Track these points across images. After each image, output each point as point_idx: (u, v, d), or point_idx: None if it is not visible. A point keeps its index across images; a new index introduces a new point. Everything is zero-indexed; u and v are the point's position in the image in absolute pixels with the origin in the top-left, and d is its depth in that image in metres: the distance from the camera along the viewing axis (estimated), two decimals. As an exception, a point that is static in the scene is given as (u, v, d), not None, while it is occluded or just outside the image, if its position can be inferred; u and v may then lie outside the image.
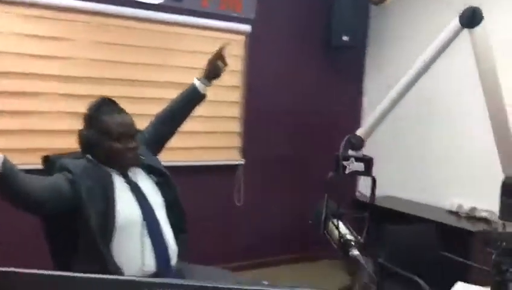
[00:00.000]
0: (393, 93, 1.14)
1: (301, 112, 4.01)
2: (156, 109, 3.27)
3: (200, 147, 3.48)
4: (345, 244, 1.12)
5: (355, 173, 1.16)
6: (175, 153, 2.88)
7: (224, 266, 3.58)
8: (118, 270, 1.67)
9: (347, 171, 1.14)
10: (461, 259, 2.35)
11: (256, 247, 3.86)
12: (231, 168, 3.74)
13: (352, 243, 1.11)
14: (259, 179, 3.85)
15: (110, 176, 1.77)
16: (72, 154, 1.88)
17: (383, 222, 2.37)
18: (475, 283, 1.74)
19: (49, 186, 1.59)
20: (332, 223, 1.18)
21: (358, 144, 1.11)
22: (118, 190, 1.74)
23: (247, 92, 3.73)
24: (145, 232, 1.76)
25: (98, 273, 1.59)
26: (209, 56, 2.13)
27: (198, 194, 3.27)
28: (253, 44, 3.71)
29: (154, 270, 1.76)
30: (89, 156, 1.81)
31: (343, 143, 1.12)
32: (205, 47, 3.46)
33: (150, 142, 2.03)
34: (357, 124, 4.33)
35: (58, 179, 1.65)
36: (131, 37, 3.28)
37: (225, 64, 2.13)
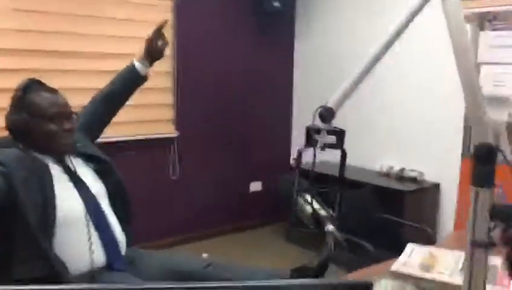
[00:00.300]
0: (364, 63, 1.09)
1: (234, 80, 3.94)
2: (82, 81, 3.05)
3: (132, 121, 3.30)
4: (319, 220, 1.09)
5: (327, 146, 1.11)
6: (106, 129, 2.71)
7: (163, 241, 3.52)
8: (63, 267, 1.53)
9: (318, 145, 1.10)
10: (401, 220, 2.45)
11: (194, 220, 3.82)
12: (165, 141, 3.61)
13: (327, 218, 1.09)
14: (193, 152, 3.76)
15: (47, 166, 1.60)
16: (2, 139, 1.68)
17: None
18: (410, 241, 1.80)
19: None
20: (303, 198, 1.14)
21: (329, 115, 1.07)
22: (56, 181, 1.58)
23: (178, 61, 3.57)
24: (91, 224, 1.62)
25: (42, 271, 1.47)
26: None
27: (132, 170, 3.12)
28: (182, 10, 3.53)
29: (104, 263, 1.64)
30: (19, 144, 1.62)
31: (313, 114, 1.06)
32: (131, 14, 3.30)
33: (86, 127, 1.86)
34: (289, 92, 4.34)
35: None
36: (53, 4, 2.98)
37: (166, 42, 1.96)
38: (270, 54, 4.13)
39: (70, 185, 1.63)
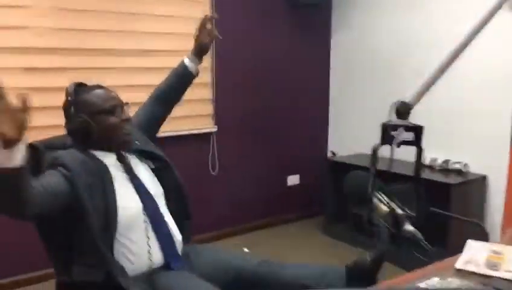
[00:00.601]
0: (444, 58, 1.05)
1: (271, 74, 3.91)
2: (123, 79, 3.06)
3: (173, 116, 3.30)
4: (397, 220, 1.06)
5: (404, 143, 1.08)
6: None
7: (203, 235, 3.53)
8: (122, 272, 1.54)
9: (395, 142, 1.06)
10: (452, 214, 2.39)
11: (233, 214, 3.83)
12: (205, 137, 3.61)
13: (405, 218, 1.05)
14: (231, 146, 3.75)
15: (107, 167, 1.61)
16: (58, 139, 1.70)
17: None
18: (460, 236, 1.75)
19: (47, 187, 1.38)
20: (377, 197, 1.11)
21: (406, 111, 1.03)
22: (116, 182, 1.59)
23: (217, 56, 3.57)
24: (149, 225, 1.63)
25: (100, 276, 1.49)
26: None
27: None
28: (220, 4, 3.52)
29: (162, 263, 1.65)
30: (78, 146, 1.64)
31: (389, 110, 1.03)
32: (171, 10, 3.30)
33: (144, 126, 1.88)
34: (326, 86, 4.30)
35: (55, 178, 1.44)
36: (92, 1, 3.00)
37: (213, 36, 2.00)
38: (306, 48, 4.08)
39: (130, 185, 1.64)
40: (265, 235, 3.91)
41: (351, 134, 4.15)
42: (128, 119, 1.68)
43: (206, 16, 2.00)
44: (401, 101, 1.04)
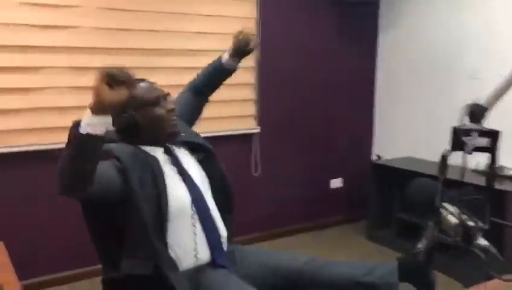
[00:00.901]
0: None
1: (315, 74, 3.83)
2: (168, 78, 3.05)
3: (215, 117, 3.29)
4: (467, 232, 0.97)
5: (477, 150, 0.99)
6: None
7: (245, 237, 3.49)
8: (173, 265, 1.51)
9: (468, 148, 0.97)
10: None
11: (274, 217, 3.77)
12: (247, 137, 3.57)
13: (477, 230, 0.96)
14: (274, 147, 3.69)
15: (158, 160, 1.59)
16: (107, 135, 1.69)
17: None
18: None
19: (102, 175, 1.37)
20: (446, 208, 1.02)
21: (480, 114, 0.94)
22: (166, 176, 1.57)
23: (261, 56, 3.51)
24: (196, 219, 1.60)
25: (150, 269, 1.46)
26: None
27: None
28: (265, 4, 3.47)
29: (209, 259, 1.61)
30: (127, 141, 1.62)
31: (461, 113, 0.94)
32: (217, 9, 3.27)
33: (184, 116, 1.85)
34: (371, 87, 4.17)
35: (108, 168, 1.44)
36: (142, 2, 3.01)
37: (253, 46, 1.90)
38: (352, 46, 3.97)
39: (178, 178, 1.62)
40: (306, 238, 3.83)
41: (397, 137, 4.00)
42: (173, 109, 1.65)
43: (241, 31, 1.90)
44: (476, 104, 0.95)
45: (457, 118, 0.97)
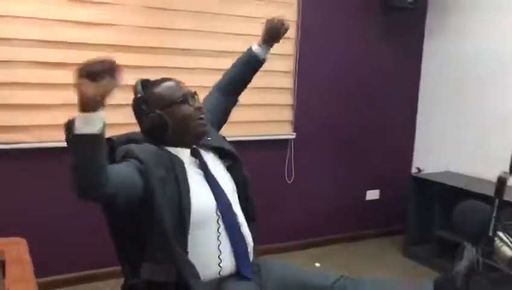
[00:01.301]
0: None
1: (356, 81, 3.70)
2: (206, 79, 2.97)
3: (249, 121, 3.22)
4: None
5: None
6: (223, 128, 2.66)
7: (275, 245, 3.39)
8: (195, 274, 1.44)
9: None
10: None
11: (307, 226, 3.66)
12: (282, 143, 3.47)
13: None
14: (309, 155, 3.58)
15: (183, 162, 1.52)
16: (133, 135, 1.65)
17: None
18: None
19: (121, 175, 1.33)
20: (501, 237, 0.90)
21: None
22: (190, 178, 1.50)
23: (300, 60, 3.42)
24: (221, 226, 1.52)
25: (171, 276, 1.39)
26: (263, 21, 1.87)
27: (249, 171, 3.04)
28: (306, 6, 3.37)
29: (234, 270, 1.53)
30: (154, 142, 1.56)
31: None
32: (255, 12, 3.20)
33: (212, 118, 1.78)
34: (414, 96, 4.01)
35: (128, 169, 1.39)
36: (177, 1, 2.97)
37: (287, 26, 1.85)
38: (396, 54, 3.82)
39: (204, 182, 1.55)
40: (339, 250, 3.70)
41: (439, 150, 3.81)
42: (201, 108, 1.59)
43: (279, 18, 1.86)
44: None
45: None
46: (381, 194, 3.96)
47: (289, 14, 3.32)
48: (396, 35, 3.80)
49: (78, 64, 1.17)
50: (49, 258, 2.61)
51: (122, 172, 1.34)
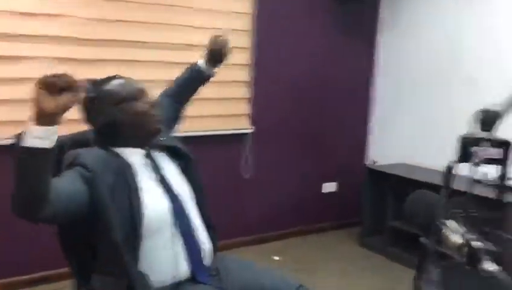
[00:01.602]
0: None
1: (311, 75, 3.71)
2: (159, 73, 2.90)
3: (205, 115, 3.17)
4: (473, 254, 0.86)
5: (487, 162, 0.88)
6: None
7: (232, 241, 3.37)
8: (145, 282, 1.39)
9: (476, 160, 0.86)
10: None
11: (265, 220, 3.66)
12: (239, 138, 3.44)
13: (484, 253, 0.85)
14: (267, 149, 3.57)
15: (133, 165, 1.47)
16: (81, 135, 1.58)
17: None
18: None
19: (66, 191, 1.26)
20: (449, 225, 0.91)
21: (492, 122, 0.83)
22: (143, 183, 1.45)
23: (256, 53, 3.39)
24: (176, 230, 1.48)
25: (121, 286, 1.34)
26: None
27: (204, 167, 2.99)
28: (261, 0, 3.35)
29: (188, 275, 1.49)
30: (101, 142, 1.51)
31: (471, 120, 0.83)
32: (213, 4, 3.14)
33: (165, 118, 1.73)
34: (368, 90, 4.07)
35: (74, 182, 1.32)
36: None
37: (226, 51, 1.85)
38: (350, 47, 3.86)
39: (157, 185, 1.50)
40: (297, 243, 3.72)
41: (394, 142, 3.89)
42: (155, 104, 1.54)
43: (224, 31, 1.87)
44: (487, 110, 0.83)
45: (464, 125, 0.86)
46: (338, 187, 4.01)
47: (245, 6, 3.29)
48: (351, 28, 3.84)
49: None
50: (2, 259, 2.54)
51: (66, 188, 1.27)
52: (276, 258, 3.41)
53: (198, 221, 1.58)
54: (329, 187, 3.97)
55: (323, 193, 3.95)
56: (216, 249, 1.64)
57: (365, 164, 3.89)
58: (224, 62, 1.89)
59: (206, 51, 1.83)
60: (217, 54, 1.83)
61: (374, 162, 3.83)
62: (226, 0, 3.20)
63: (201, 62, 1.85)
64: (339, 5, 3.72)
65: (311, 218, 3.90)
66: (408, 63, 3.76)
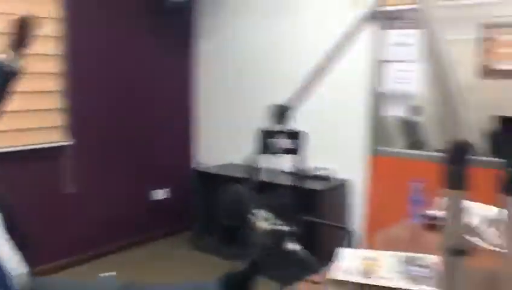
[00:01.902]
0: (321, 59, 0.96)
1: (130, 83, 3.63)
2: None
3: (12, 129, 2.86)
4: (278, 237, 0.93)
5: (284, 152, 0.95)
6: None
7: (57, 263, 3.11)
8: None
9: (274, 150, 0.94)
10: (324, 221, 2.39)
11: (93, 236, 3.45)
12: (54, 152, 3.18)
13: (287, 234, 0.93)
14: (90, 161, 3.38)
15: None
16: None
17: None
18: (330, 242, 1.73)
19: None
20: (256, 214, 0.97)
21: (283, 115, 0.91)
22: None
23: (68, 61, 3.18)
24: None
25: None
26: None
27: (16, 186, 2.71)
28: (71, 3, 3.15)
29: None
30: None
31: (267, 115, 0.90)
32: (13, 8, 2.84)
33: None
34: (189, 94, 4.13)
35: None
36: None
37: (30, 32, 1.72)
38: (167, 55, 3.88)
39: None
40: (130, 256, 3.60)
41: (219, 143, 4.03)
42: None
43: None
44: (279, 104, 0.92)
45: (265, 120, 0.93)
46: (168, 193, 3.99)
47: (52, 9, 3.05)
48: (167, 36, 3.86)
49: None
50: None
51: None
52: (114, 274, 3.25)
53: (6, 247, 1.41)
54: (159, 194, 3.93)
55: (152, 200, 3.89)
56: (32, 268, 1.48)
57: (192, 167, 3.94)
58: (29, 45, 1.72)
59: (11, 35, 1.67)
60: (22, 36, 1.68)
61: (199, 164, 3.91)
62: (33, 3, 2.92)
63: (3, 57, 1.68)
64: (157, 13, 3.69)
65: (142, 228, 3.81)
66: (225, 68, 3.93)
